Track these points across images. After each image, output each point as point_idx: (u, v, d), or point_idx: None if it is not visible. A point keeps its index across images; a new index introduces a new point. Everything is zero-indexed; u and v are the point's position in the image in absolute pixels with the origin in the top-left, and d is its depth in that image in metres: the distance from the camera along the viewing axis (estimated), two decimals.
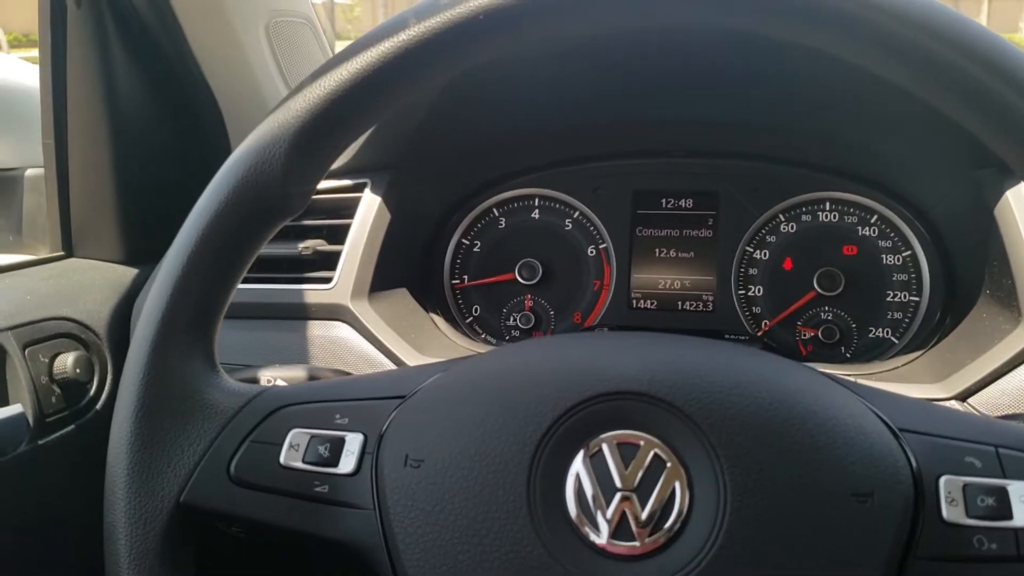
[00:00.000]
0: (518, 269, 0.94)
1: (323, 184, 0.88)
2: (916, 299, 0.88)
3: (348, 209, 0.85)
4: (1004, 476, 0.45)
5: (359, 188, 0.86)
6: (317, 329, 0.82)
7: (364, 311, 0.81)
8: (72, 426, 0.79)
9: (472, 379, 0.51)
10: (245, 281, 0.85)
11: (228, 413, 0.53)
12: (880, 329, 0.88)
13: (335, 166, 0.89)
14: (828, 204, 0.91)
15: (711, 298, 0.92)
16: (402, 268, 0.89)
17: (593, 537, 0.45)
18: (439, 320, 0.92)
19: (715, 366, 0.48)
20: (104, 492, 0.52)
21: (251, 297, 0.84)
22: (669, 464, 0.45)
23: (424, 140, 0.88)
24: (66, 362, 0.77)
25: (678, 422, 0.46)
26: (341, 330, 0.81)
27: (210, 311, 0.53)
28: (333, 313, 0.82)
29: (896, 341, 0.87)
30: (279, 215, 0.54)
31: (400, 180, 0.87)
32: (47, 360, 0.77)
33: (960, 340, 0.77)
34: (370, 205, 0.85)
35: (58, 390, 0.78)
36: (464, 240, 0.97)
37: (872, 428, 0.47)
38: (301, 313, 0.82)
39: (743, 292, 0.91)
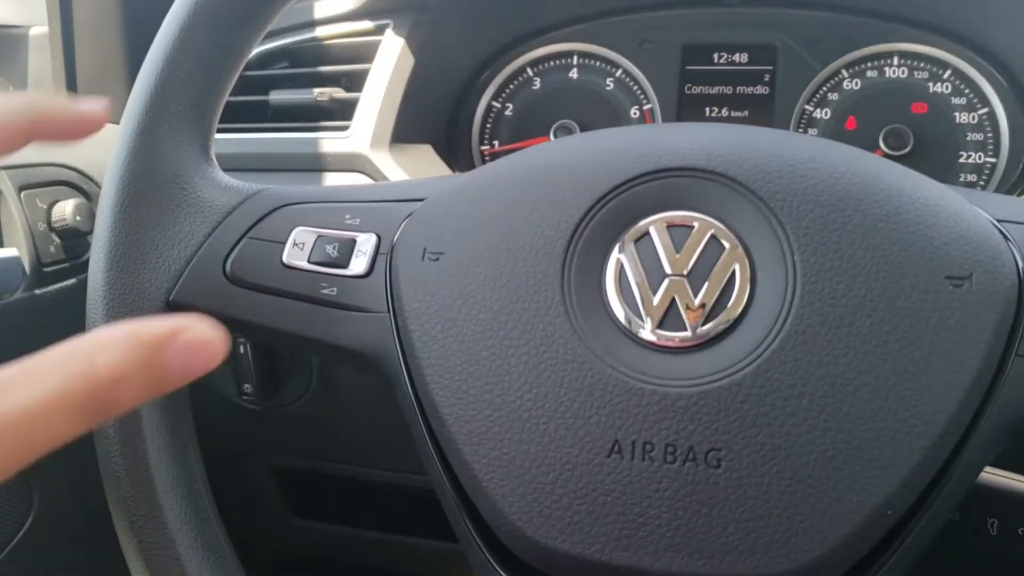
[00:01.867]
0: (553, 132, 0.87)
1: (340, 27, 0.82)
2: (993, 160, 0.79)
3: (368, 53, 0.78)
4: None
5: (380, 31, 0.79)
6: (333, 180, 0.75)
7: (383, 161, 0.74)
8: (73, 280, 0.74)
9: (502, 171, 0.44)
10: (257, 131, 0.80)
11: (223, 209, 0.47)
12: None
13: (353, 7, 0.82)
14: (896, 58, 0.82)
15: None
16: (426, 123, 0.82)
17: (636, 327, 0.38)
18: None
19: (785, 142, 0.41)
20: (87, 292, 0.46)
21: (263, 147, 0.78)
22: (728, 246, 0.39)
23: None
24: (65, 210, 0.72)
25: (740, 199, 0.39)
26: (359, 181, 0.75)
27: (204, 94, 0.47)
28: (350, 163, 0.75)
29: None
30: None
31: (425, 23, 0.80)
32: (45, 207, 0.72)
33: None
34: (391, 48, 0.78)
35: (57, 240, 0.73)
36: (495, 103, 0.90)
37: (968, 212, 0.39)
38: (317, 164, 0.76)
39: None
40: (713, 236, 0.39)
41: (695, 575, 0.36)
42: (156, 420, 0.45)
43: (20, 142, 0.33)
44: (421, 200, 0.46)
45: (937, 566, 0.70)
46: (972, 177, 0.80)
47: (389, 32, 0.79)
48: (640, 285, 0.39)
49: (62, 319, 0.73)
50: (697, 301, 0.38)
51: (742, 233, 0.39)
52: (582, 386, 0.38)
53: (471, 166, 0.89)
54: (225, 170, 0.78)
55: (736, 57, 0.85)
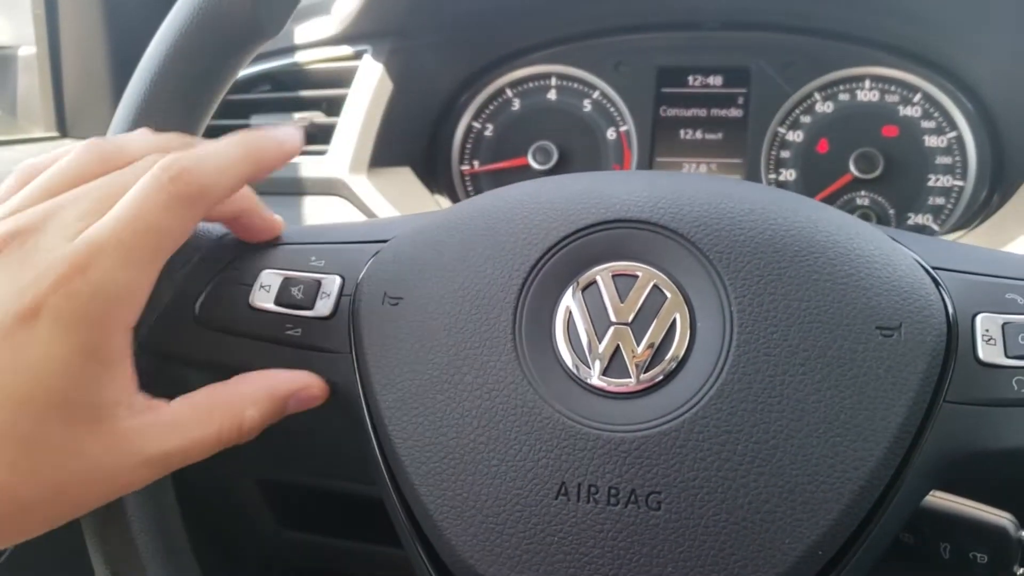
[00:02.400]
0: (531, 153, 0.89)
1: (320, 53, 0.83)
2: (960, 183, 0.81)
3: (346, 78, 0.80)
4: None
5: (358, 56, 0.81)
6: (312, 205, 0.77)
7: (361, 186, 0.76)
8: None
9: (460, 217, 0.46)
10: None
11: (194, 250, 0.48)
12: (920, 215, 0.82)
13: (332, 33, 0.84)
14: (868, 81, 0.84)
15: None
16: (406, 146, 0.84)
17: (583, 373, 0.40)
18: (444, 203, 0.86)
19: (726, 194, 0.42)
20: None
21: None
22: (669, 295, 0.40)
23: (429, 4, 0.82)
24: None
25: (681, 250, 0.41)
26: (337, 205, 0.76)
27: (182, 131, 0.49)
28: (329, 188, 0.77)
29: (937, 228, 0.81)
30: (252, 35, 0.49)
31: (403, 48, 0.82)
32: None
33: (1006, 218, 0.71)
34: (369, 73, 0.79)
35: None
36: (475, 123, 0.92)
37: (901, 262, 0.41)
38: (296, 188, 0.78)
39: (774, 176, 0.85)
40: (656, 286, 0.41)
41: None
42: None
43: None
44: (385, 241, 0.47)
45: None
46: (940, 200, 0.81)
47: (367, 57, 0.80)
48: (587, 332, 0.41)
49: None
50: (640, 348, 0.40)
51: (683, 283, 0.41)
52: (531, 430, 0.40)
53: (451, 187, 0.91)
54: None
55: (710, 80, 0.87)
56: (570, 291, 0.41)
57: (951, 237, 0.73)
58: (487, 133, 0.92)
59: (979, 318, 0.40)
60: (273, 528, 1.01)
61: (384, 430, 0.42)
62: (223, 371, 0.47)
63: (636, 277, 0.41)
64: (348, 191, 0.76)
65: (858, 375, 0.38)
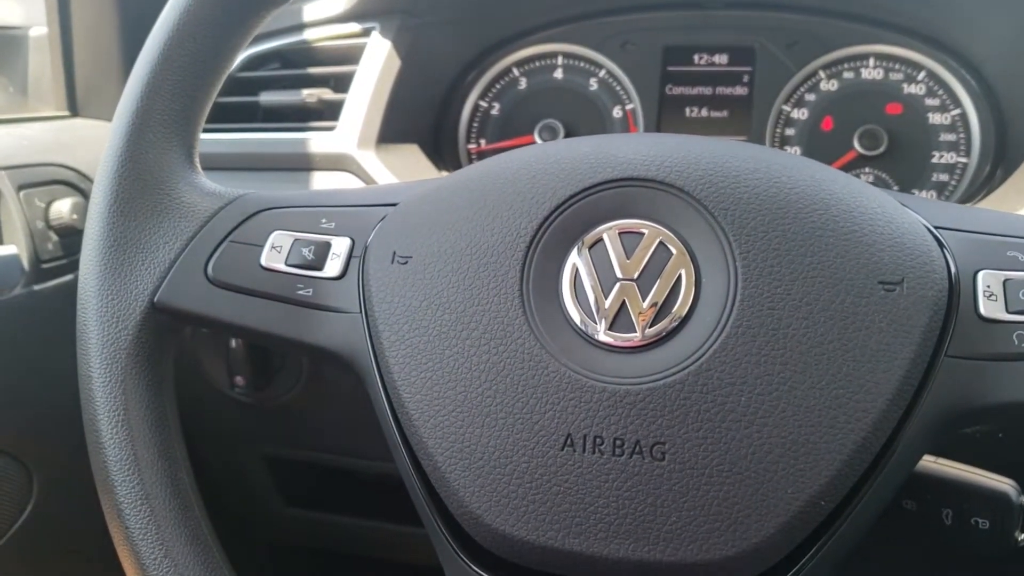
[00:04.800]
0: (538, 131, 0.89)
1: (329, 30, 0.84)
2: (964, 160, 0.81)
3: (354, 55, 0.81)
4: None
5: (367, 33, 0.82)
6: (321, 180, 0.78)
7: (369, 161, 0.77)
8: (70, 276, 0.77)
9: (468, 178, 0.47)
10: (246, 130, 0.83)
11: (206, 214, 0.49)
12: (925, 191, 0.82)
13: (341, 11, 0.85)
14: (872, 60, 0.84)
15: None
16: (413, 123, 0.85)
17: (589, 328, 0.41)
18: None
19: (731, 154, 0.43)
20: (77, 291, 0.49)
21: (253, 147, 0.81)
22: (675, 252, 0.41)
23: None
24: (62, 208, 0.75)
25: (687, 208, 0.42)
26: (346, 180, 0.77)
27: (189, 105, 0.50)
28: (337, 163, 0.78)
29: None
30: (260, 3, 0.50)
31: (411, 26, 0.82)
32: (43, 205, 0.75)
33: (1008, 192, 0.71)
34: (378, 50, 0.80)
35: (55, 237, 0.75)
36: (481, 102, 0.92)
37: (904, 220, 0.42)
38: (305, 163, 0.78)
39: None
40: (661, 242, 0.41)
41: (639, 561, 0.39)
42: (142, 413, 0.47)
43: None
44: (394, 205, 0.48)
45: (894, 554, 0.73)
46: (944, 177, 0.82)
47: (375, 35, 0.81)
48: (594, 288, 0.41)
49: (60, 314, 0.76)
50: (646, 304, 0.41)
51: (688, 240, 0.41)
52: (538, 383, 0.40)
53: (457, 165, 0.92)
54: (216, 169, 0.80)
55: (716, 58, 0.88)
56: (577, 248, 0.42)
57: None
58: (494, 112, 0.92)
59: (981, 275, 0.41)
60: (281, 506, 1.02)
61: (394, 387, 0.43)
62: (236, 331, 0.48)
63: (642, 235, 0.42)
64: (356, 166, 0.77)
65: (860, 329, 0.39)
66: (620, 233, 0.42)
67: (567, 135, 0.89)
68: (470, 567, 0.42)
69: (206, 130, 0.83)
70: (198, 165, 0.51)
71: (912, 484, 0.55)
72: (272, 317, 0.47)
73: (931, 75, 0.83)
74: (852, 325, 0.39)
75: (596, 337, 0.41)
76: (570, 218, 0.43)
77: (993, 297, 0.40)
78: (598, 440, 0.39)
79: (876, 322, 0.39)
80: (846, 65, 0.85)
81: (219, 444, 0.97)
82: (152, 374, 0.48)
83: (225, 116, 0.83)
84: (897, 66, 0.84)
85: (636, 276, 0.41)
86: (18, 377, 0.72)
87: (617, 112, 0.89)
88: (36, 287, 0.74)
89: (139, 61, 0.50)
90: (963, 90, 0.81)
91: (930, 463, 0.55)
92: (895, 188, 0.82)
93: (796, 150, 0.85)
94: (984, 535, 0.52)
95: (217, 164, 0.81)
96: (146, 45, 0.49)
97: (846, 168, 0.83)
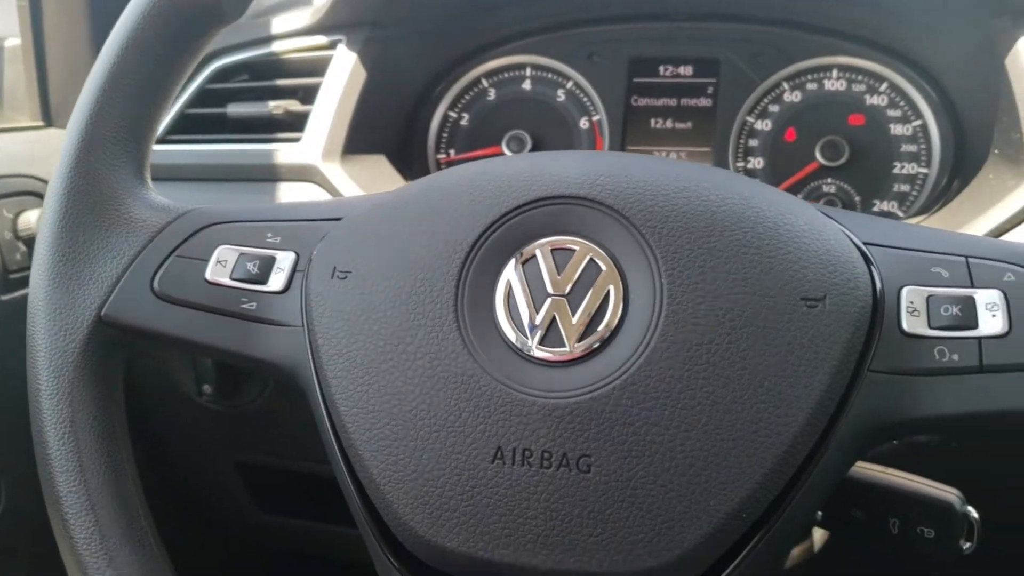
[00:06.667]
0: (506, 142, 0.90)
1: (297, 43, 0.85)
2: (925, 171, 0.82)
3: (320, 67, 0.82)
4: (972, 286, 0.41)
5: (333, 46, 0.83)
6: (286, 191, 0.79)
7: (334, 172, 0.77)
8: None
9: (410, 194, 0.47)
10: (213, 142, 0.83)
11: (153, 228, 0.50)
12: (886, 202, 0.83)
13: (308, 23, 0.85)
14: (835, 71, 0.85)
15: None
16: (380, 134, 0.85)
17: (520, 343, 0.42)
18: None
19: (662, 172, 0.44)
20: (27, 304, 0.50)
21: (219, 159, 0.82)
22: (604, 268, 0.42)
23: None
24: (30, 219, 0.76)
25: (616, 226, 0.42)
26: (311, 192, 0.78)
27: (140, 120, 0.50)
28: (303, 174, 0.78)
29: (902, 215, 0.82)
30: (213, 19, 0.50)
31: (378, 39, 0.83)
32: (11, 216, 0.75)
33: (964, 203, 0.72)
34: (343, 63, 0.81)
35: (23, 247, 0.76)
36: (451, 113, 0.93)
37: (832, 237, 0.42)
38: (271, 175, 0.79)
39: (742, 164, 0.86)
40: (592, 259, 0.42)
41: (567, 571, 0.39)
42: (89, 424, 0.48)
43: None
44: (339, 219, 0.49)
45: (842, 563, 0.74)
46: (906, 187, 0.83)
47: (342, 47, 0.82)
48: (526, 303, 0.42)
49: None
50: (575, 319, 0.41)
51: (618, 256, 0.42)
52: (469, 397, 0.41)
53: (425, 175, 0.92)
54: (183, 180, 0.81)
55: (681, 70, 0.88)
56: (511, 264, 0.43)
57: (912, 222, 0.74)
58: (463, 122, 0.93)
59: (905, 291, 0.42)
60: (256, 513, 1.02)
61: (332, 399, 0.44)
62: (181, 344, 0.49)
63: (573, 251, 0.42)
64: (321, 177, 0.77)
65: (782, 344, 0.39)
66: (552, 250, 0.43)
67: (535, 146, 0.90)
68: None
69: (174, 141, 0.84)
70: (148, 180, 0.52)
71: (860, 494, 0.55)
72: (217, 331, 0.48)
73: (893, 86, 0.84)
74: (774, 341, 0.39)
75: (527, 352, 0.42)
76: (505, 234, 0.43)
77: (916, 313, 0.41)
78: (527, 453, 0.40)
79: (798, 338, 0.39)
80: (809, 76, 0.86)
81: (193, 451, 0.98)
82: (100, 387, 0.49)
83: (193, 127, 0.84)
84: (860, 77, 0.85)
85: (567, 292, 0.42)
86: None
87: (584, 123, 0.90)
88: (4, 297, 0.74)
89: (89, 78, 0.50)
90: (924, 101, 0.82)
91: (878, 473, 0.56)
92: (857, 199, 0.83)
93: (759, 161, 0.86)
94: (930, 543, 0.53)
95: (184, 175, 0.82)
96: (96, 62, 0.50)
97: (808, 179, 0.84)
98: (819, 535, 0.79)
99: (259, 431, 0.90)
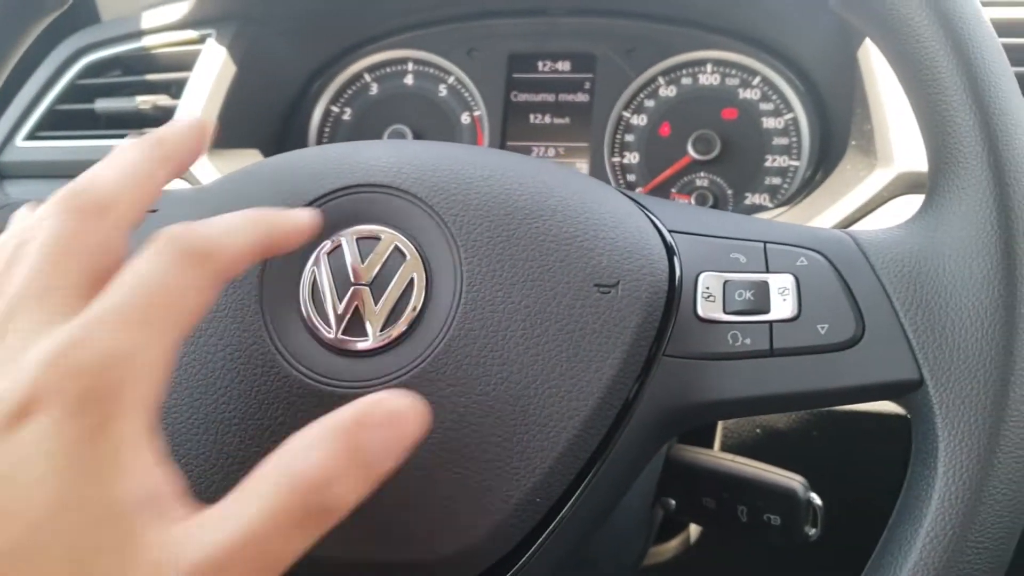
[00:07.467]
0: (387, 137, 0.90)
1: (168, 37, 0.84)
2: (796, 163, 0.84)
3: (189, 61, 0.81)
4: (767, 271, 0.42)
5: (203, 40, 0.82)
6: None
7: (200, 166, 0.76)
8: None
9: (223, 186, 0.47)
10: (83, 137, 0.82)
11: None
12: (757, 195, 0.84)
13: (179, 17, 0.84)
14: (709, 65, 0.87)
15: (585, 166, 0.88)
16: (254, 128, 0.85)
17: (323, 333, 0.42)
18: None
19: (468, 161, 0.44)
20: None
21: (88, 154, 0.80)
22: (409, 257, 0.42)
23: None
24: None
25: (421, 213, 0.43)
26: (177, 186, 0.77)
27: None
28: None
29: (772, 207, 0.84)
30: (33, 11, 0.50)
31: (248, 33, 0.82)
32: None
33: (822, 194, 0.73)
34: (213, 57, 0.80)
35: None
36: (333, 107, 0.93)
37: (632, 225, 0.43)
38: None
39: (617, 159, 0.87)
40: (397, 247, 0.42)
41: (361, 562, 0.39)
42: None
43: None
44: (154, 211, 0.48)
45: (718, 555, 0.75)
46: (777, 180, 0.84)
47: (211, 41, 0.81)
48: (330, 293, 0.42)
49: None
50: (378, 308, 0.41)
51: (423, 245, 0.42)
52: (270, 388, 0.41)
53: None
54: (53, 177, 0.79)
55: (559, 65, 0.89)
56: (316, 254, 0.43)
57: (774, 213, 0.76)
58: (345, 117, 0.93)
59: (702, 276, 0.42)
60: None
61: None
62: None
63: (379, 239, 0.42)
64: (187, 171, 0.76)
65: (574, 331, 0.40)
66: (358, 238, 0.43)
67: (415, 140, 0.90)
68: None
69: (44, 137, 0.83)
70: None
71: (710, 482, 0.56)
72: None
73: (765, 80, 0.85)
74: (567, 327, 0.40)
75: (329, 341, 0.41)
76: None
77: (712, 298, 0.42)
78: None
79: (590, 323, 0.40)
80: (684, 71, 0.87)
81: None
82: None
83: (63, 124, 0.83)
84: (733, 71, 0.86)
85: (371, 281, 0.42)
86: None
87: (465, 118, 0.90)
88: None
89: None
90: (794, 94, 0.84)
91: (726, 461, 0.57)
92: (729, 192, 0.84)
93: (635, 156, 0.87)
94: (776, 531, 0.54)
95: (54, 172, 0.81)
96: None
97: (682, 173, 0.85)
98: (695, 527, 0.80)
99: None
